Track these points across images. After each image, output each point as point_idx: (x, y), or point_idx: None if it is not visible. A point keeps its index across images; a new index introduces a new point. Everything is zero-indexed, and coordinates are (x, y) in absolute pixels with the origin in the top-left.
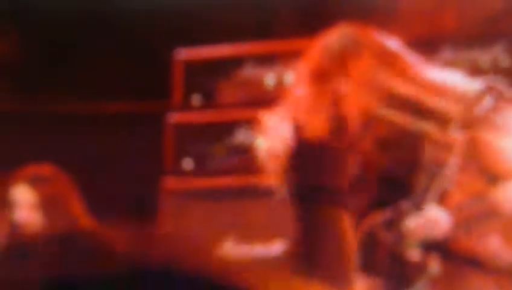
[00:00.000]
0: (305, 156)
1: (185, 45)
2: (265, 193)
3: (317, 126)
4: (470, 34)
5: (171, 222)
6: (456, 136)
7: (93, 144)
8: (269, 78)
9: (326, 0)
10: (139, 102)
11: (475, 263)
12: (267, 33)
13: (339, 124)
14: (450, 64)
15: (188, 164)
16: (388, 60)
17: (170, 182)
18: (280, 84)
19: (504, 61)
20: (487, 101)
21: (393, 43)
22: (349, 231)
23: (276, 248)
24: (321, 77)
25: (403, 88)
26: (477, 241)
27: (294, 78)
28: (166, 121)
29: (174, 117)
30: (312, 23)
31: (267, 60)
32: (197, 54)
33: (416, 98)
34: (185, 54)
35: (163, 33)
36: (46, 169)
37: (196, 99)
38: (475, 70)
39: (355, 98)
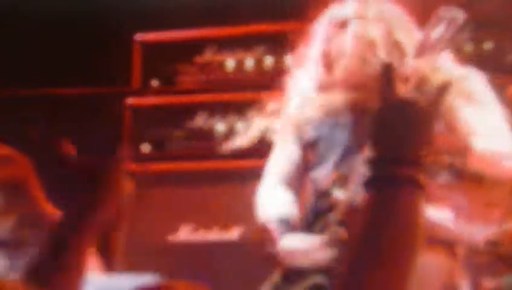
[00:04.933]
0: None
1: (145, 29)
2: (223, 178)
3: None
4: None
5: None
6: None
7: (52, 129)
8: (230, 63)
9: None
10: (98, 86)
11: None
12: (229, 18)
13: None
14: None
15: (146, 148)
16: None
17: (129, 166)
18: (240, 69)
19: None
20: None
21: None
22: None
23: (233, 233)
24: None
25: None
26: None
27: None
28: (126, 105)
29: (133, 101)
30: (274, 8)
31: (227, 44)
32: (157, 38)
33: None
34: (145, 37)
35: (124, 16)
36: (4, 150)
37: (155, 83)
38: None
39: None
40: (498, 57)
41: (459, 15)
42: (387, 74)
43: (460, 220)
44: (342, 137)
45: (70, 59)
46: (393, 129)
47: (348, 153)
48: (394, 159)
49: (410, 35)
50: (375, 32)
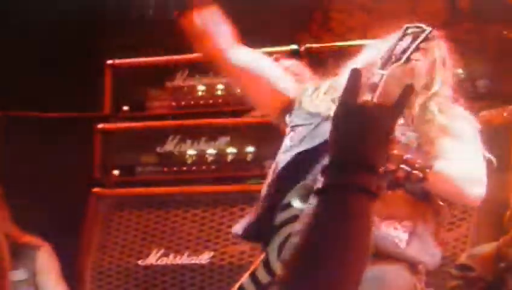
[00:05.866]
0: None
1: (116, 55)
2: (194, 203)
3: None
4: None
5: (100, 230)
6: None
7: (23, 152)
8: (200, 88)
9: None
10: (70, 111)
11: None
12: None
13: None
14: None
15: (117, 172)
16: None
17: (100, 191)
18: (211, 94)
19: None
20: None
21: None
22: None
23: (203, 257)
24: None
25: None
26: None
27: None
28: (97, 129)
29: (105, 126)
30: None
31: (197, 69)
32: (128, 63)
33: None
34: (115, 63)
35: (95, 42)
36: None
37: (126, 108)
38: None
39: None
40: (468, 83)
41: (425, 28)
42: (355, 79)
43: (415, 241)
44: (320, 132)
45: (42, 83)
46: (350, 135)
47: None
48: (348, 165)
49: None
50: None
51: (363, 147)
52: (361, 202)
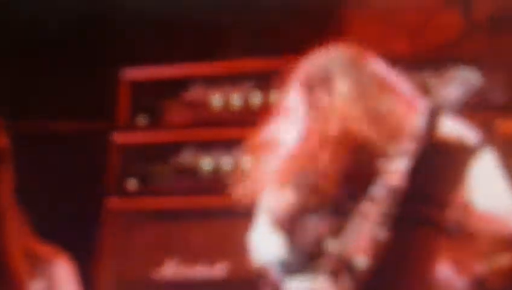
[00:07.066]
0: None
1: (131, 65)
2: (209, 215)
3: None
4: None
5: (114, 242)
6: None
7: (38, 163)
8: (216, 99)
9: (272, 23)
10: (85, 122)
11: None
12: (213, 54)
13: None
14: None
15: (132, 184)
16: (378, 87)
17: (114, 203)
18: (226, 106)
19: None
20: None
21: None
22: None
23: (218, 270)
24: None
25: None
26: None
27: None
28: (112, 141)
29: (120, 137)
30: (260, 45)
31: (213, 81)
32: (143, 74)
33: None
34: (131, 74)
35: (110, 52)
36: None
37: (142, 119)
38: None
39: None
40: (483, 94)
41: (472, 76)
42: (434, 117)
43: (451, 274)
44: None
45: (57, 94)
46: (428, 171)
47: (343, 205)
48: (421, 200)
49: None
50: None
51: (438, 184)
52: (429, 235)
